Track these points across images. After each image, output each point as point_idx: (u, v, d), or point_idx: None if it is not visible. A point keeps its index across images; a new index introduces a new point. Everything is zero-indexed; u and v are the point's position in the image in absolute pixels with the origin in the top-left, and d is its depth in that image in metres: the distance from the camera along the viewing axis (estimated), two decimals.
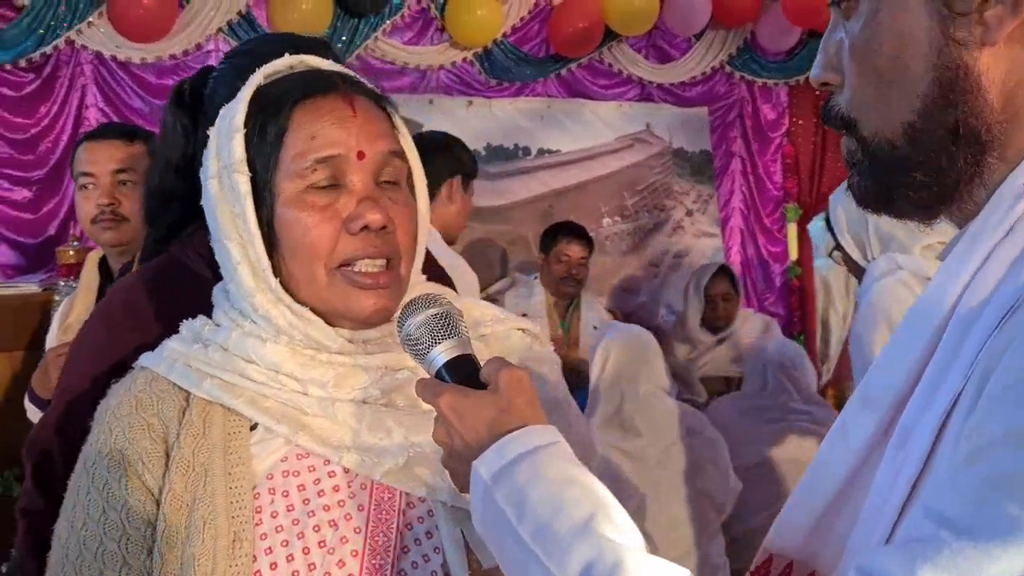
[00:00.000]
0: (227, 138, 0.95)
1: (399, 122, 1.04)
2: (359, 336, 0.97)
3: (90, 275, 2.39)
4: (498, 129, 4.89)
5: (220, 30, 4.44)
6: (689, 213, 5.29)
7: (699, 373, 4.06)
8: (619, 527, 0.70)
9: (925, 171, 0.68)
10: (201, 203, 0.99)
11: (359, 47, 4.69)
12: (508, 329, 1.08)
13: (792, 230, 5.68)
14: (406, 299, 0.99)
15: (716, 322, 4.14)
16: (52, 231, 4.22)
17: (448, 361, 0.83)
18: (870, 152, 0.70)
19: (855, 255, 2.23)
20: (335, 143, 0.93)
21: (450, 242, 2.65)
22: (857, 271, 2.28)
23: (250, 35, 4.53)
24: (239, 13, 4.46)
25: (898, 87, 0.67)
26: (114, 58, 4.36)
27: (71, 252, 3.15)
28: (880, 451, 0.69)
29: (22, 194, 4.25)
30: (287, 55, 1.02)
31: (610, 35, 5.03)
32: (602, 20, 4.89)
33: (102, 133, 2.30)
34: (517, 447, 0.76)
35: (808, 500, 0.74)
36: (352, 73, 1.03)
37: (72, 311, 2.27)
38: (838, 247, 2.27)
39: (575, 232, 3.87)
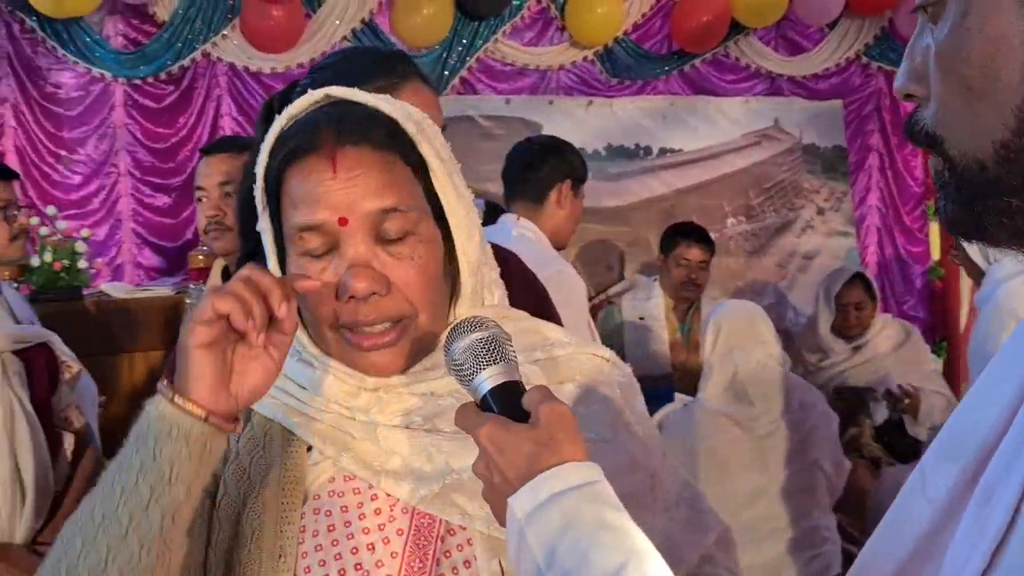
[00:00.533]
0: (253, 192, 0.96)
1: (428, 151, 0.94)
2: (382, 383, 0.94)
3: (215, 280, 2.49)
4: (619, 129, 4.80)
5: (344, 38, 4.54)
6: (820, 212, 5.06)
7: (831, 384, 3.83)
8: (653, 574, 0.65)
9: (1021, 196, 0.59)
10: None
11: (479, 50, 4.71)
12: (572, 353, 1.03)
13: (934, 229, 5.35)
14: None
15: (849, 331, 3.90)
16: (189, 235, 4.44)
17: (493, 388, 0.79)
18: (958, 174, 0.62)
19: (976, 256, 2.07)
20: (315, 210, 0.88)
21: (559, 247, 2.61)
22: (976, 273, 2.12)
23: (374, 42, 4.62)
24: (363, 21, 4.56)
25: (989, 100, 0.58)
26: (246, 69, 4.54)
27: (200, 257, 3.30)
28: (963, 505, 0.60)
29: (162, 200, 4.50)
30: (309, 91, 0.96)
31: (736, 28, 4.87)
32: (728, 13, 4.74)
33: (215, 147, 2.40)
34: (552, 486, 0.72)
35: (884, 556, 0.66)
36: (371, 103, 0.94)
37: None
38: (956, 247, 2.11)
39: (696, 234, 3.74)
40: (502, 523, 0.76)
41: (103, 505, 0.81)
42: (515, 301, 1.13)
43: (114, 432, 2.49)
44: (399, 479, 0.91)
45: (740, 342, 2.88)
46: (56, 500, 2.05)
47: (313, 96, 0.95)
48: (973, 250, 2.06)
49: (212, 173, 2.28)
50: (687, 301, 3.64)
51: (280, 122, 0.94)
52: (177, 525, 0.81)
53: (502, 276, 1.06)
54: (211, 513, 0.92)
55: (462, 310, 0.98)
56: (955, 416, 0.65)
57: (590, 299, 4.16)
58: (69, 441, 2.11)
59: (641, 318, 3.57)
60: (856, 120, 5.29)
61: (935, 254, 5.35)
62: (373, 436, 0.93)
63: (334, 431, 0.94)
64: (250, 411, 0.97)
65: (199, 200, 2.30)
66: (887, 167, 5.37)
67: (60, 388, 2.11)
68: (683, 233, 3.74)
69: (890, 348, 3.84)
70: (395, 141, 0.92)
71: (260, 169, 0.94)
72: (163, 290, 3.59)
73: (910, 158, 5.38)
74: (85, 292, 3.44)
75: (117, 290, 3.52)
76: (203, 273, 3.63)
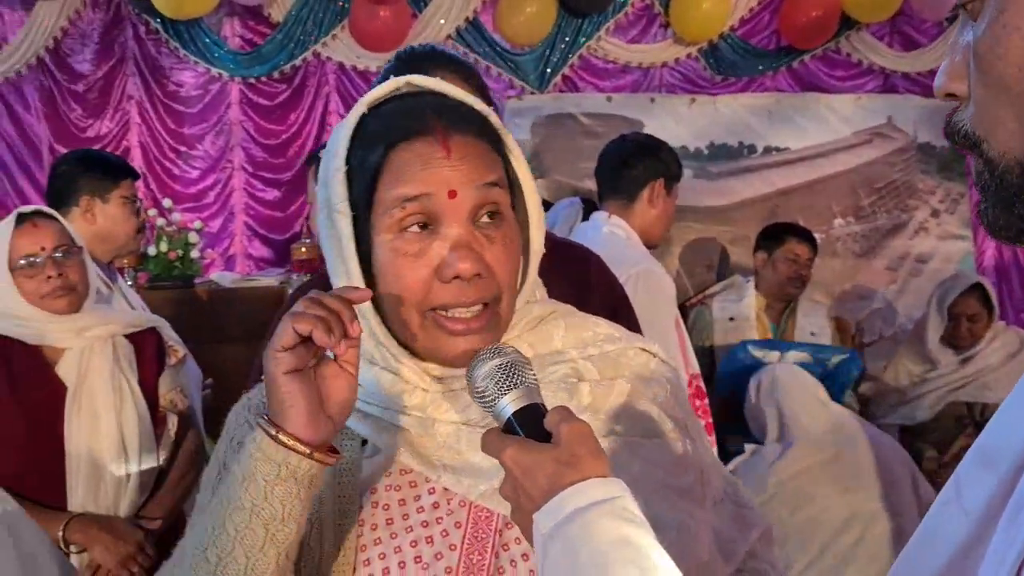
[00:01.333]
0: (331, 176, 0.94)
1: (510, 143, 0.98)
2: (448, 373, 0.95)
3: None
4: (722, 126, 4.72)
5: (449, 37, 4.62)
6: (935, 213, 4.84)
7: (934, 396, 3.65)
8: None
9: None
10: None
11: (581, 47, 4.71)
12: (623, 348, 1.03)
13: None
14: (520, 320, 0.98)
15: (959, 341, 3.68)
16: (296, 228, 4.61)
17: (515, 412, 0.81)
18: (998, 176, 0.59)
19: None
20: (426, 183, 0.90)
21: (650, 246, 2.59)
22: None
23: (479, 41, 4.69)
24: (467, 20, 4.63)
25: None
26: (354, 68, 4.68)
27: (303, 249, 3.44)
28: (999, 517, 0.58)
29: (272, 194, 4.68)
30: (391, 78, 0.98)
31: (848, 23, 4.72)
32: (839, 7, 4.59)
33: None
34: (574, 502, 0.73)
35: (919, 568, 0.64)
36: (456, 95, 0.97)
37: None
38: None
39: (803, 233, 3.66)
40: (531, 542, 0.77)
41: (218, 546, 0.83)
42: (592, 301, 1.13)
43: (217, 415, 2.62)
44: (457, 474, 0.92)
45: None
46: (159, 477, 2.18)
47: (395, 83, 0.97)
48: None
49: (312, 174, 2.39)
50: (789, 299, 3.55)
51: (360, 108, 0.95)
52: (290, 559, 0.85)
53: (581, 275, 1.07)
54: None
55: (520, 302, 0.99)
56: (994, 422, 0.63)
57: (688, 299, 4.12)
58: (173, 422, 2.22)
59: (731, 318, 3.51)
60: None
61: None
62: (431, 432, 0.93)
63: (391, 426, 0.95)
64: None
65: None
66: None
67: (166, 372, 2.23)
68: (790, 231, 3.65)
69: (1002, 360, 3.60)
70: (487, 132, 0.96)
71: (341, 152, 0.94)
72: (268, 280, 3.75)
73: None
74: (197, 281, 3.62)
75: (226, 279, 3.70)
76: (305, 265, 3.77)
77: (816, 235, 3.85)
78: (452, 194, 0.90)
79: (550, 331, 1.01)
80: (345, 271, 0.95)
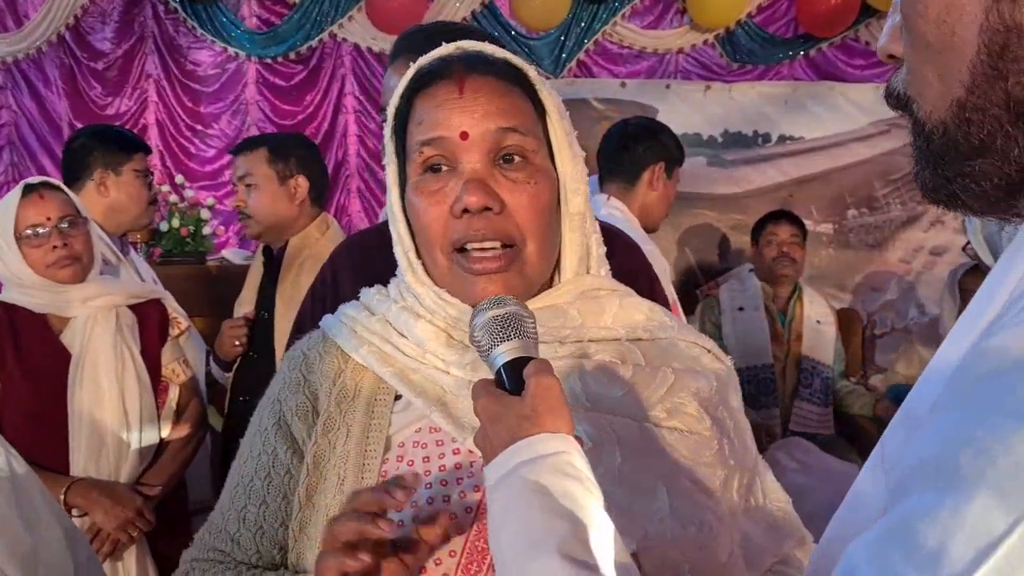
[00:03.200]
0: (387, 127, 0.99)
1: (545, 95, 0.98)
2: None
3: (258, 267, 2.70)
4: (737, 114, 4.68)
5: (464, 19, 4.62)
6: None
7: None
8: (591, 547, 0.65)
9: (983, 157, 0.56)
10: None
11: (597, 32, 4.70)
12: (672, 339, 1.02)
13: None
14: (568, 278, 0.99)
15: None
16: None
17: (506, 363, 0.80)
18: (925, 136, 0.59)
19: (986, 258, 1.89)
20: (438, 125, 0.93)
21: (650, 229, 2.59)
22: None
23: (493, 25, 4.69)
24: (483, 3, 4.63)
25: (947, 57, 0.55)
26: (370, 50, 4.69)
27: None
28: None
29: None
30: (443, 43, 0.99)
31: (868, 11, 4.67)
32: None
33: (240, 147, 2.71)
34: (520, 456, 0.73)
35: (845, 528, 0.64)
36: (486, 50, 0.99)
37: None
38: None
39: (783, 214, 3.62)
40: None
41: None
42: (626, 278, 1.13)
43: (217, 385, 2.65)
44: None
45: None
46: (160, 445, 2.21)
47: (446, 48, 0.99)
48: (985, 252, 1.87)
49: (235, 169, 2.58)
50: (784, 281, 3.50)
51: (413, 69, 0.98)
52: None
53: (611, 251, 1.07)
54: (296, 465, 0.98)
55: (568, 274, 0.99)
56: (916, 385, 0.63)
57: (697, 286, 4.11)
58: (175, 392, 2.26)
59: (740, 308, 3.49)
60: None
61: None
62: (464, 393, 0.93)
63: (429, 383, 0.96)
64: (345, 360, 1.01)
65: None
66: None
67: (169, 343, 2.26)
68: (772, 215, 3.63)
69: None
70: (518, 78, 0.97)
71: (391, 109, 0.98)
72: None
73: None
74: (209, 257, 3.66)
75: (237, 256, 3.73)
76: None
77: (830, 226, 3.81)
78: (464, 135, 0.92)
79: (603, 305, 1.00)
80: (393, 215, 0.99)
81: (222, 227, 4.27)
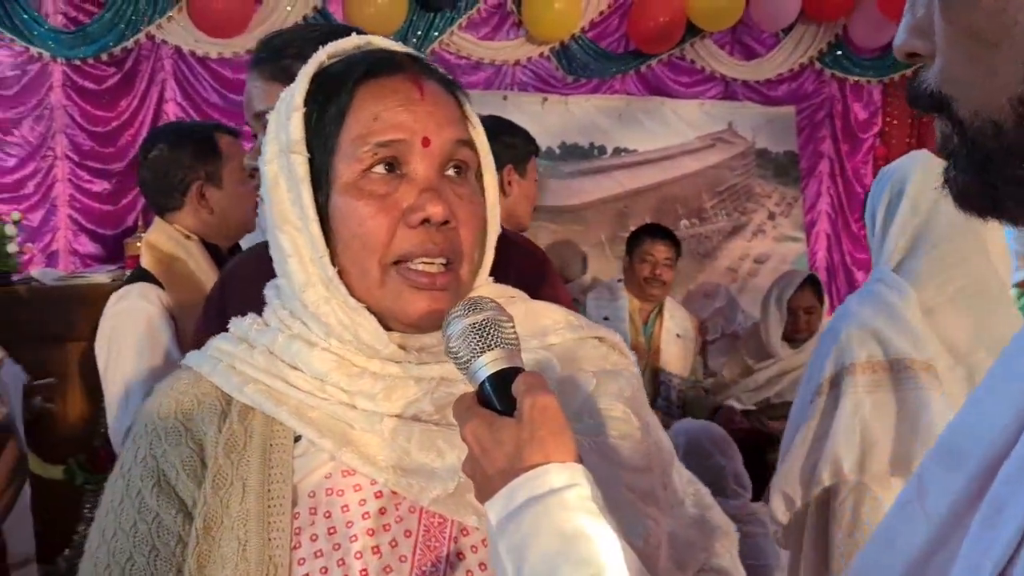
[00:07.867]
0: (285, 117, 0.88)
1: (470, 111, 0.93)
2: (413, 342, 0.87)
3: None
4: (574, 127, 4.77)
5: (297, 24, 4.43)
6: (771, 216, 5.08)
7: (777, 390, 3.79)
8: None
9: None
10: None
11: (434, 42, 4.64)
12: (582, 338, 0.96)
13: None
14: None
15: (796, 335, 3.86)
16: (130, 223, 4.28)
17: (491, 375, 0.73)
18: (969, 138, 0.53)
19: None
20: (399, 126, 0.84)
21: (519, 230, 2.52)
22: None
23: None
24: (315, 8, 4.46)
25: (1003, 51, 0.50)
26: (192, 53, 4.40)
27: (138, 244, 3.17)
28: (967, 521, 0.53)
29: (102, 186, 4.33)
30: (353, 34, 0.93)
31: (692, 30, 4.86)
32: (684, 15, 4.73)
33: None
34: (528, 490, 0.66)
35: (873, 571, 0.59)
36: (423, 56, 0.94)
37: None
38: None
39: (661, 232, 3.71)
40: None
41: None
42: (520, 271, 1.09)
43: (38, 422, 2.36)
44: (407, 477, 0.82)
45: None
46: None
47: (354, 40, 0.92)
48: None
49: None
50: (652, 300, 3.59)
51: (320, 57, 0.91)
52: None
53: (508, 258, 1.01)
54: (186, 530, 0.83)
55: (479, 280, 0.93)
56: (959, 418, 0.58)
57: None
58: None
59: (606, 318, 3.52)
60: (808, 126, 5.32)
61: None
62: (377, 428, 0.84)
63: (332, 421, 0.85)
64: (228, 402, 0.88)
65: None
66: (837, 174, 5.41)
67: None
68: (648, 231, 3.71)
69: None
70: (454, 92, 0.93)
71: (299, 94, 0.88)
72: (99, 277, 3.44)
73: (860, 165, 5.43)
74: (14, 278, 3.29)
75: (48, 276, 3.37)
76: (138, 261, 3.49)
77: None
78: (426, 142, 0.85)
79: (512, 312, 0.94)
80: (300, 216, 0.86)
81: (29, 244, 3.86)
